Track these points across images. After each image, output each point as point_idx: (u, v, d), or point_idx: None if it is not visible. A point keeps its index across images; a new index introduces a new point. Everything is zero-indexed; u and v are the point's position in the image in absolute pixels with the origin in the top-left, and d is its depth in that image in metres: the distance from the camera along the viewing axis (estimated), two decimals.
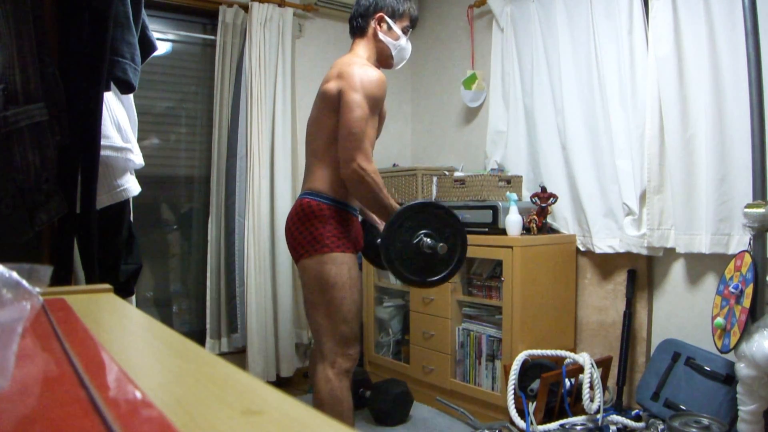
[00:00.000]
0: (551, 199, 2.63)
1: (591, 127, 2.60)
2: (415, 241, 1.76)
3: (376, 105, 1.79)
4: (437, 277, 1.82)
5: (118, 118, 1.48)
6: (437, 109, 3.55)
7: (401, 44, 1.96)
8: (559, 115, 2.73)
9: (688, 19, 2.23)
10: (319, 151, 1.87)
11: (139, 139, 1.69)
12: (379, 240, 1.80)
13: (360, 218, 2.02)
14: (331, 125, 1.81)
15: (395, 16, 1.94)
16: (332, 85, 1.81)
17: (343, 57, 1.91)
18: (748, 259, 1.79)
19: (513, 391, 2.27)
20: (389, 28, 1.93)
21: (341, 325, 1.80)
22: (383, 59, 1.96)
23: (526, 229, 2.60)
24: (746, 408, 1.74)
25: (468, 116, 3.37)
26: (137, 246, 1.64)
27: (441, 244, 1.74)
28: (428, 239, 1.75)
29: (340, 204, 1.84)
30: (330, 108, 1.81)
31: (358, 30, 1.96)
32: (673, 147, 2.28)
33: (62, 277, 1.28)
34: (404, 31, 1.96)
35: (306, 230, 1.81)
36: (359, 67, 1.80)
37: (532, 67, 2.87)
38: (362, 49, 1.94)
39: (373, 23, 1.93)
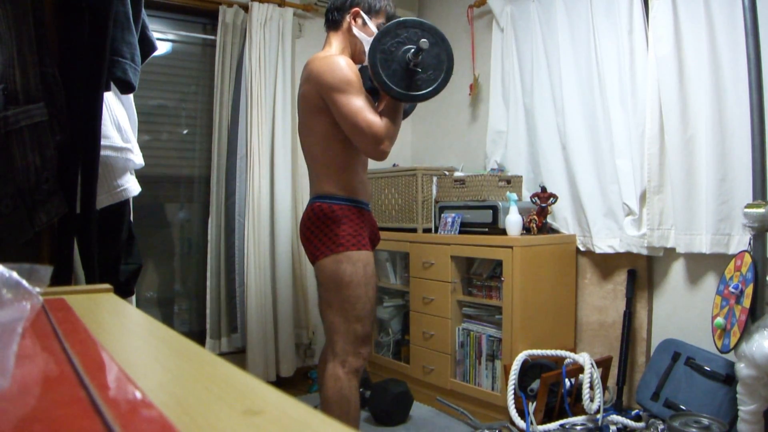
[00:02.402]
0: (551, 199, 2.63)
1: (591, 127, 2.60)
2: (403, 50, 1.69)
3: (354, 86, 1.76)
4: (420, 92, 1.74)
5: (118, 118, 1.48)
6: (437, 109, 3.55)
7: None
8: (559, 115, 2.73)
9: (688, 19, 2.23)
10: (317, 155, 1.86)
11: (146, 140, 1.68)
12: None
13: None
14: (322, 127, 1.81)
15: (371, 12, 1.92)
16: (307, 88, 1.81)
17: (314, 55, 1.89)
18: (748, 259, 1.79)
19: (513, 391, 2.27)
20: (364, 23, 1.90)
21: (355, 323, 1.80)
22: (356, 54, 1.93)
23: (526, 229, 2.60)
24: (746, 408, 1.74)
25: (468, 116, 3.37)
26: (137, 246, 1.64)
27: (423, 39, 1.65)
28: (412, 47, 1.69)
29: (350, 202, 1.84)
30: (313, 110, 1.81)
31: (333, 23, 1.94)
32: (673, 147, 2.28)
33: (62, 277, 1.28)
34: (379, 27, 1.94)
35: (321, 232, 1.81)
36: (321, 62, 1.79)
37: (532, 67, 2.87)
38: (335, 43, 1.92)
39: (348, 18, 1.91)
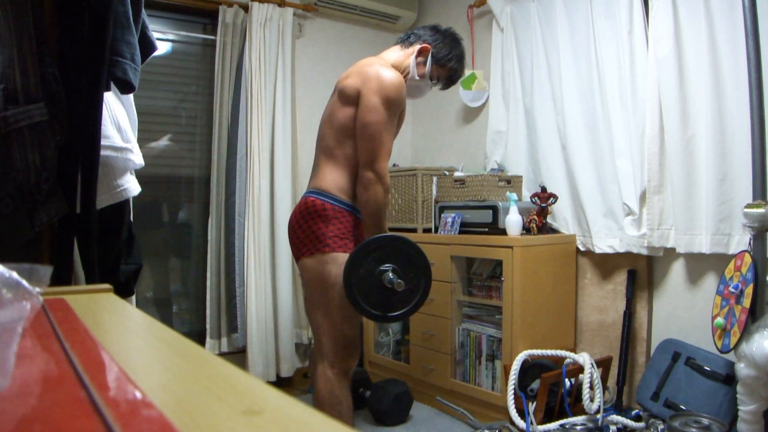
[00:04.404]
0: (551, 199, 2.63)
1: (591, 127, 2.60)
2: (379, 271, 1.74)
3: (394, 109, 1.77)
4: (396, 313, 1.80)
5: (118, 118, 1.48)
6: (437, 109, 3.55)
7: (419, 83, 1.96)
8: (559, 115, 2.73)
9: (688, 19, 2.23)
10: (329, 149, 1.85)
11: (145, 140, 1.68)
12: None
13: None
14: (344, 123, 1.80)
15: (438, 60, 1.95)
16: (350, 82, 1.80)
17: (367, 58, 1.91)
18: (748, 259, 1.79)
19: (513, 391, 2.27)
20: (425, 62, 1.93)
21: (342, 325, 1.79)
22: (398, 72, 1.94)
23: (526, 229, 2.60)
24: (746, 408, 1.74)
25: (468, 116, 3.37)
26: (137, 246, 1.64)
27: (399, 281, 1.72)
28: (391, 274, 1.73)
29: (345, 205, 1.83)
30: (345, 105, 1.80)
31: (404, 40, 1.98)
32: (673, 147, 2.28)
33: (62, 277, 1.28)
34: (432, 76, 1.96)
35: (309, 229, 1.80)
36: (380, 68, 1.79)
37: (532, 67, 2.87)
38: (391, 54, 1.96)
39: (417, 45, 1.94)
